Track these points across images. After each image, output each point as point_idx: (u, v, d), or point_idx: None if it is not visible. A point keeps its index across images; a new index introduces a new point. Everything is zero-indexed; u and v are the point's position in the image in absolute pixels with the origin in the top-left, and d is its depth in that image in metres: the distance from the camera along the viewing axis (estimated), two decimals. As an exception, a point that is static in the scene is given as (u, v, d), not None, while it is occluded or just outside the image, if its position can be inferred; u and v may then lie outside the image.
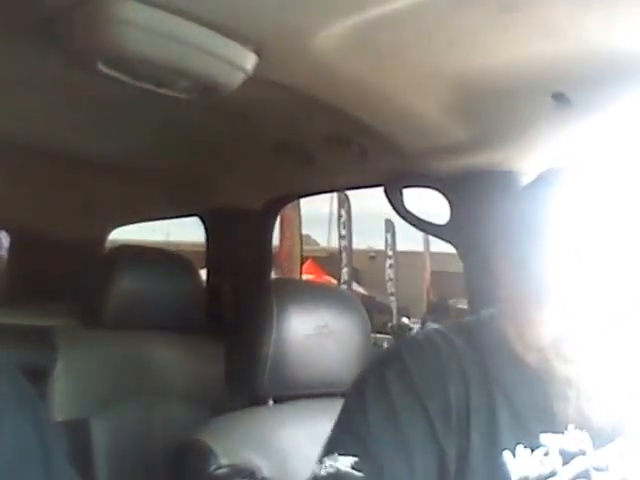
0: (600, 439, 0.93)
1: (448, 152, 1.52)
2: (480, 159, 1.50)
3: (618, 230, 0.93)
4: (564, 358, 0.92)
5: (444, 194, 1.64)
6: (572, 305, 0.92)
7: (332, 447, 0.94)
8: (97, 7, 1.07)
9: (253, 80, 1.24)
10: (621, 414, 0.93)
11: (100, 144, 1.95)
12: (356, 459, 0.91)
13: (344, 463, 0.91)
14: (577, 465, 0.92)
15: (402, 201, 1.72)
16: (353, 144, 1.62)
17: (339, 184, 2.07)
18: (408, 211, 1.71)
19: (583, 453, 0.92)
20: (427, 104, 1.38)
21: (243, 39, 1.16)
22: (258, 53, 1.19)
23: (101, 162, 2.11)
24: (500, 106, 1.34)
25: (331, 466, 0.91)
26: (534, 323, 0.94)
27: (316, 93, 1.38)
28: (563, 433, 0.93)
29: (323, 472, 0.92)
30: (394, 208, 1.73)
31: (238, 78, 1.22)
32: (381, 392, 0.95)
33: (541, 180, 1.01)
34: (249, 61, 1.20)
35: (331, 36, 1.13)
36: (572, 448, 0.93)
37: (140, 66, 1.18)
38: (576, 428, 0.93)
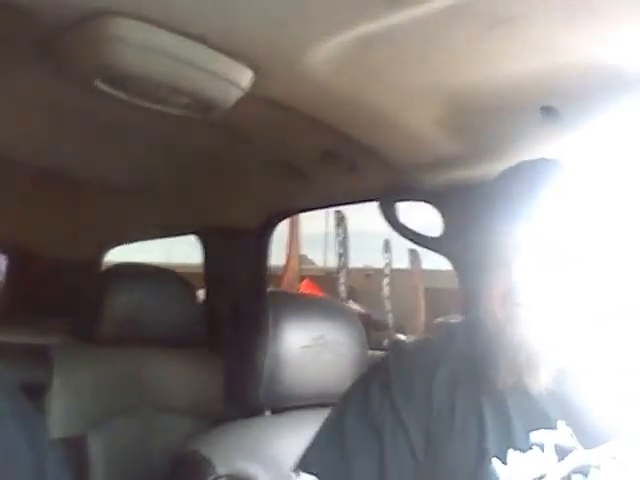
0: (592, 439, 0.93)
1: (441, 166, 1.54)
2: (472, 172, 1.51)
3: (608, 234, 0.95)
4: (553, 357, 0.93)
5: (437, 207, 1.66)
6: (563, 309, 0.93)
7: (302, 460, 0.97)
8: (95, 26, 1.08)
9: (249, 97, 1.26)
10: (615, 415, 0.94)
11: (96, 163, 1.96)
12: (315, 478, 0.93)
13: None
14: (572, 461, 0.92)
15: (396, 215, 1.74)
16: (347, 160, 1.64)
17: (334, 200, 2.08)
18: (402, 225, 1.73)
19: (575, 449, 0.93)
20: (419, 119, 1.40)
21: (239, 56, 1.18)
22: (254, 70, 1.21)
23: (98, 181, 2.13)
24: (490, 120, 1.36)
25: None
26: (522, 326, 0.94)
27: (310, 110, 1.40)
28: (555, 429, 0.93)
29: None
30: (388, 222, 1.75)
31: (234, 95, 1.24)
32: (363, 408, 0.97)
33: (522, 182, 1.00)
34: (245, 78, 1.21)
35: (325, 53, 1.15)
36: (566, 444, 0.93)
37: (137, 84, 1.20)
38: (567, 425, 0.93)
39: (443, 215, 1.65)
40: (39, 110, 1.55)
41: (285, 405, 1.42)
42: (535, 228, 0.92)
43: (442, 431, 0.93)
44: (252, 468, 1.26)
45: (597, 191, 0.97)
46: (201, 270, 2.37)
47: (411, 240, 1.77)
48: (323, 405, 1.43)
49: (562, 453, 0.92)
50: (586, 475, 0.92)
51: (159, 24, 1.09)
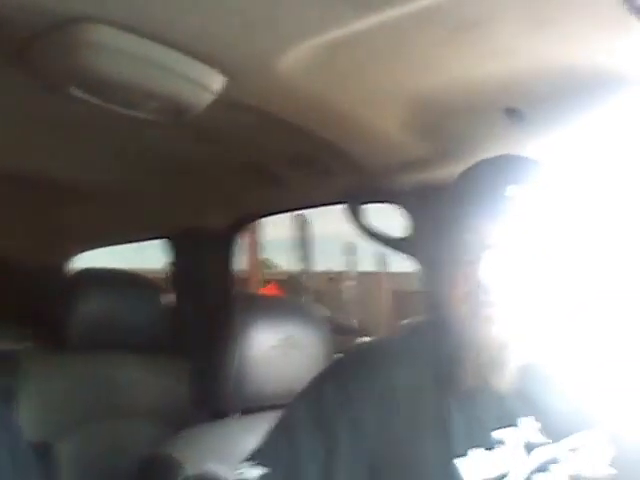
0: (556, 433, 0.95)
1: (408, 167, 1.57)
2: (439, 173, 1.53)
3: (576, 231, 0.96)
4: (519, 355, 0.94)
5: (404, 208, 1.68)
6: (529, 306, 0.93)
7: (254, 453, 0.96)
8: (68, 32, 1.09)
9: (220, 101, 1.27)
10: (577, 408, 0.96)
11: (64, 167, 1.95)
12: (266, 471, 0.92)
13: (253, 473, 0.93)
14: (535, 458, 0.93)
15: (363, 217, 1.76)
16: (316, 163, 1.66)
17: (303, 203, 2.10)
18: (368, 226, 1.75)
19: (540, 444, 0.94)
20: (387, 122, 1.43)
21: (211, 61, 1.19)
22: (226, 75, 1.22)
23: (65, 186, 2.12)
24: (456, 122, 1.39)
25: (242, 473, 0.93)
26: (486, 322, 0.93)
27: (281, 113, 1.41)
28: (518, 427, 0.94)
29: (234, 477, 0.94)
30: (355, 224, 1.77)
31: (206, 99, 1.25)
32: (316, 407, 0.96)
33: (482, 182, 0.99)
34: (217, 82, 1.23)
35: (295, 57, 1.17)
36: (529, 440, 0.94)
37: (111, 89, 1.20)
38: (529, 421, 0.95)
39: (409, 216, 1.67)
40: (7, 114, 1.54)
41: (254, 406, 1.44)
42: (501, 225, 0.92)
43: (405, 433, 0.93)
44: (222, 469, 1.26)
45: (564, 188, 0.98)
46: (161, 275, 2.36)
47: (377, 242, 1.79)
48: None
49: (527, 450, 0.94)
50: (549, 472, 0.93)
51: (132, 30, 1.10)
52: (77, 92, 1.20)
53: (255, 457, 0.95)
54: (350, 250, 9.70)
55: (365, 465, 0.93)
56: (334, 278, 9.99)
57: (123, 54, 1.12)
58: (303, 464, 0.92)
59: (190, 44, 1.14)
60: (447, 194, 1.03)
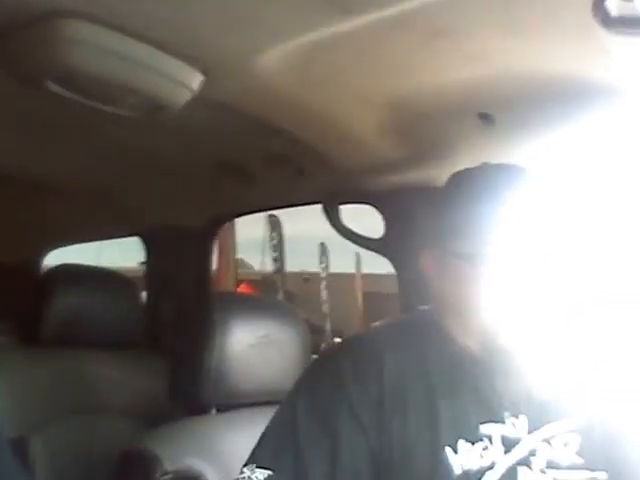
0: (535, 426, 0.97)
1: (383, 169, 1.59)
2: (413, 176, 1.56)
3: (544, 230, 0.96)
4: (501, 348, 0.95)
5: (379, 209, 1.71)
6: (507, 299, 0.94)
7: (254, 457, 0.96)
8: (46, 26, 1.09)
9: (198, 99, 1.28)
10: (554, 401, 0.98)
11: (37, 163, 1.94)
12: (270, 473, 0.92)
13: (258, 476, 0.93)
14: (517, 453, 0.95)
15: (339, 217, 1.77)
16: (292, 163, 1.67)
17: (278, 202, 2.11)
18: (344, 226, 1.77)
19: (523, 438, 0.96)
20: (363, 123, 1.45)
21: (190, 59, 1.20)
22: (204, 73, 1.23)
23: (38, 181, 2.10)
24: (431, 125, 1.41)
25: (248, 477, 0.93)
26: (472, 318, 0.96)
27: (257, 113, 1.42)
28: (503, 422, 0.96)
29: None
30: (331, 224, 1.78)
31: (184, 97, 1.26)
32: (315, 406, 0.96)
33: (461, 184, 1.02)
34: (195, 81, 1.24)
35: (274, 58, 1.18)
36: (512, 435, 0.96)
37: (89, 84, 1.21)
38: (512, 415, 0.97)
39: (385, 217, 1.69)
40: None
41: (231, 403, 1.45)
42: (500, 234, 0.94)
43: (396, 421, 0.94)
44: (199, 465, 1.27)
45: (553, 194, 0.99)
46: (135, 274, 2.35)
47: (353, 242, 1.81)
48: (268, 403, 1.46)
49: (508, 445, 0.95)
50: (529, 465, 0.95)
51: (112, 26, 1.10)
52: (54, 87, 1.20)
53: (257, 460, 0.95)
54: (324, 251, 9.74)
55: (367, 459, 0.94)
56: (308, 279, 10.02)
57: (102, 50, 1.12)
58: (308, 464, 0.93)
59: (169, 42, 1.15)
60: (440, 204, 1.04)
